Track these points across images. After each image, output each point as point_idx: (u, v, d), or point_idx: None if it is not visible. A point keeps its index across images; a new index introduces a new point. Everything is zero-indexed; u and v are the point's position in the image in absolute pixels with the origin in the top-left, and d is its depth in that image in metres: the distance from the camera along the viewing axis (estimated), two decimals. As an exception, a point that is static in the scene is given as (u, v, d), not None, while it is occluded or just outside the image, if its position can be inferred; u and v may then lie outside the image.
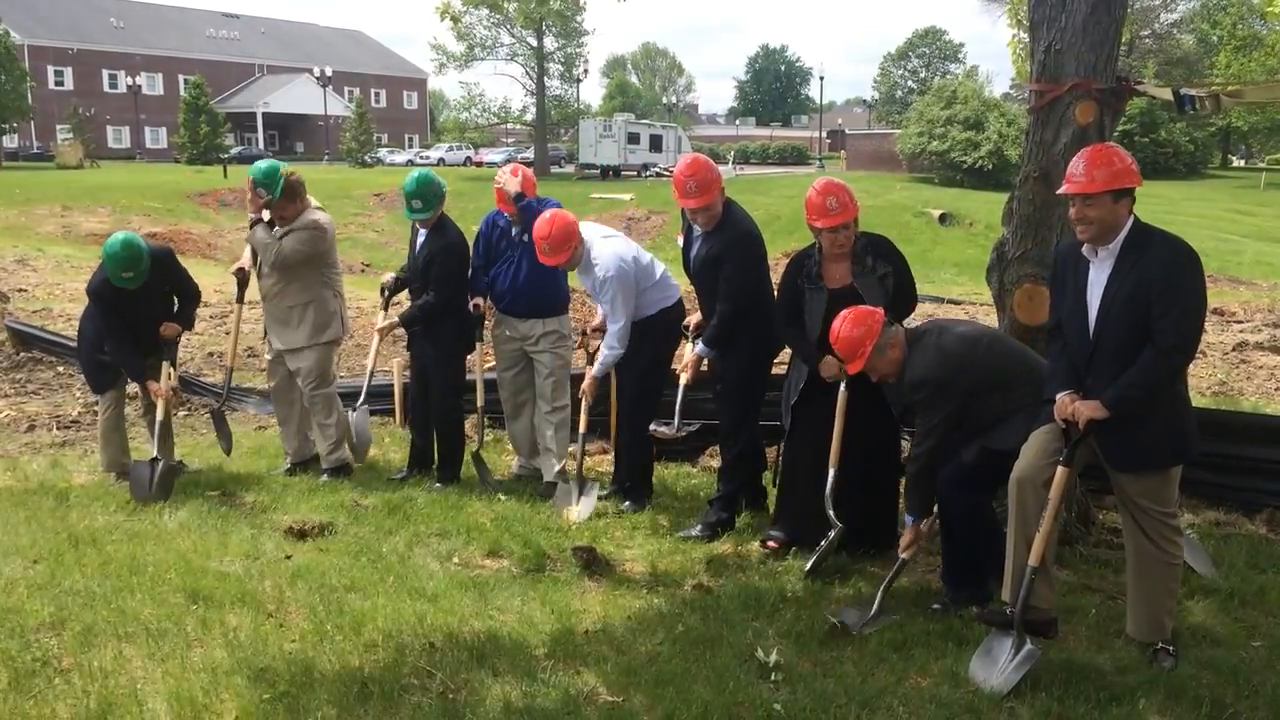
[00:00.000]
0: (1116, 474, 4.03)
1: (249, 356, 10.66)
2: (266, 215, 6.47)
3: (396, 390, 7.84)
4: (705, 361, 5.71)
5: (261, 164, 6.53)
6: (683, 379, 5.71)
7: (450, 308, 6.41)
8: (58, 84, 65.84)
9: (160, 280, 6.43)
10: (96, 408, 7.17)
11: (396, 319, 6.60)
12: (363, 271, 25.19)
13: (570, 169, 59.51)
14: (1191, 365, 11.08)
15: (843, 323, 4.60)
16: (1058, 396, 4.00)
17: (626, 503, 6.07)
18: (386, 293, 6.87)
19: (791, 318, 5.22)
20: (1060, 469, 3.98)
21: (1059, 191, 4.05)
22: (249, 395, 8.96)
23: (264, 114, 72.48)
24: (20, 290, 16.50)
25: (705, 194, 5.44)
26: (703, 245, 5.62)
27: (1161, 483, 3.99)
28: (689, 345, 5.92)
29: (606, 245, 5.96)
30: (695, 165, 5.51)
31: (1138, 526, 4.02)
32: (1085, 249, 3.93)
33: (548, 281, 6.30)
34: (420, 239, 6.47)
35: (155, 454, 6.33)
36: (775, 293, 5.65)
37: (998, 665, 3.92)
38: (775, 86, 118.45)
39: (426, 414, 6.76)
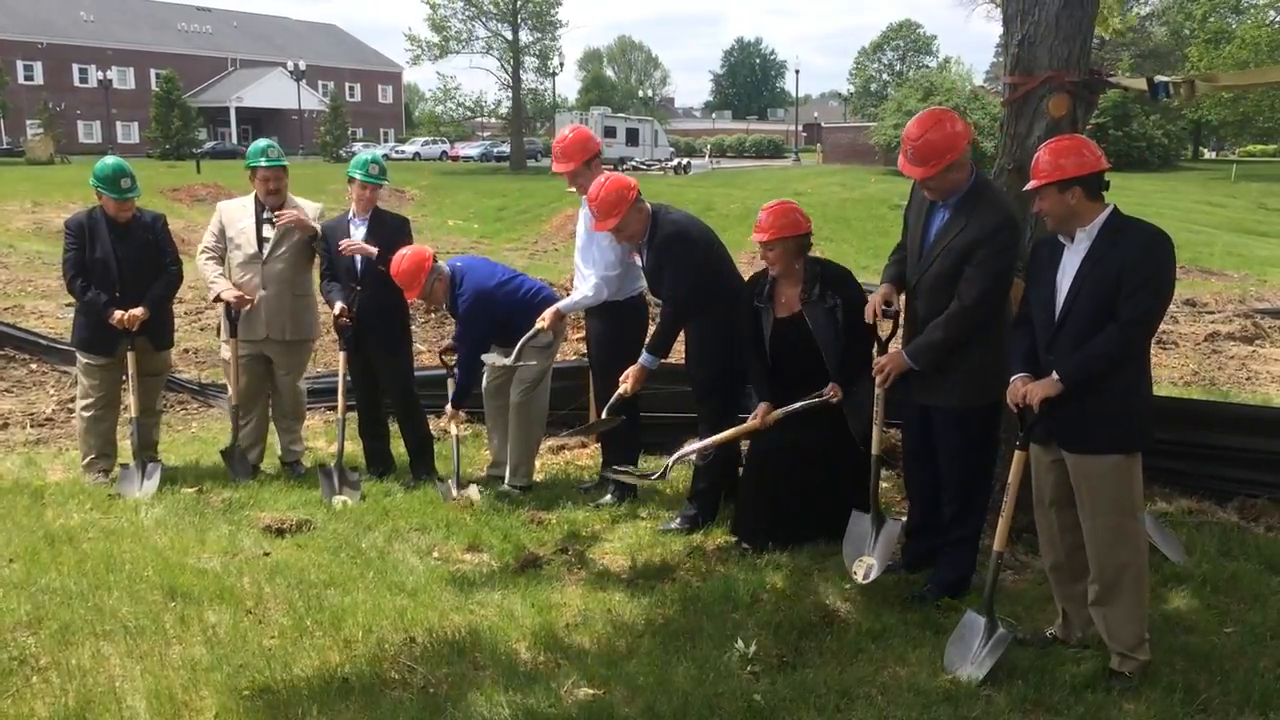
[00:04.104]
0: (1070, 459, 3.94)
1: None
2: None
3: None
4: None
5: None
6: (622, 387, 5.60)
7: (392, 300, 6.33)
8: (27, 79, 65.04)
9: (157, 236, 6.46)
10: (72, 404, 7.10)
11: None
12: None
13: (547, 162, 59.21)
14: (1164, 355, 11.13)
15: (927, 126, 4.34)
16: (1011, 381, 4.00)
17: (607, 496, 6.08)
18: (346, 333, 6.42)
19: (755, 337, 5.22)
20: (1017, 453, 4.00)
21: (1024, 188, 4.06)
22: (224, 393, 8.87)
23: (237, 108, 71.82)
24: (-9, 287, 16.32)
25: (620, 203, 5.42)
26: (648, 258, 5.64)
27: (1114, 476, 3.84)
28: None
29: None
30: (600, 187, 5.49)
31: (1090, 527, 3.93)
32: (1060, 236, 3.93)
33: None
34: (356, 232, 6.36)
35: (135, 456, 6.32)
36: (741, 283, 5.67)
37: (971, 651, 3.96)
38: (751, 80, 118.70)
39: (376, 415, 6.68)
